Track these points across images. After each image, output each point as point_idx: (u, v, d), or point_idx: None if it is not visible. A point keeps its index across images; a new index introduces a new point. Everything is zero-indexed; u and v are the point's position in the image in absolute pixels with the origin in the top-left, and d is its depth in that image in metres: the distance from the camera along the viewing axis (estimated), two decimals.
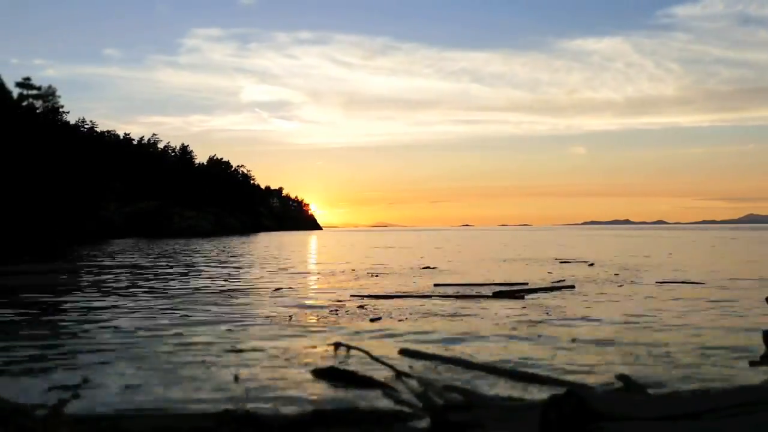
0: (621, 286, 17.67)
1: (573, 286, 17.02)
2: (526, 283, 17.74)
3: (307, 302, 14.26)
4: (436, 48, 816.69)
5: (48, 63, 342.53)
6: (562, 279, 19.24)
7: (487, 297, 14.80)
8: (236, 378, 6.95)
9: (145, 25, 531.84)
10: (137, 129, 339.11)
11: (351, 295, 15.50)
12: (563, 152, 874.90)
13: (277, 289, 17.25)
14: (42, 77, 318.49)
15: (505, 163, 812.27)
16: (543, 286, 17.43)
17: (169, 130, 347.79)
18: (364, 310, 12.57)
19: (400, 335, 9.78)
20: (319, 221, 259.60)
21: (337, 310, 12.66)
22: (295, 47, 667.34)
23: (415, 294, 15.65)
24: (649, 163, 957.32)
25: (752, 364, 7.71)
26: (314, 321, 11.37)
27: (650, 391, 6.00)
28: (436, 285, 17.76)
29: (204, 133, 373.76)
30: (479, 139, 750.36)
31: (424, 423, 4.94)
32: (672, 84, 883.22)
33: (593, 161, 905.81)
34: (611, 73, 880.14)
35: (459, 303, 13.85)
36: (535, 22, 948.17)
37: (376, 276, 21.74)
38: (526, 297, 14.72)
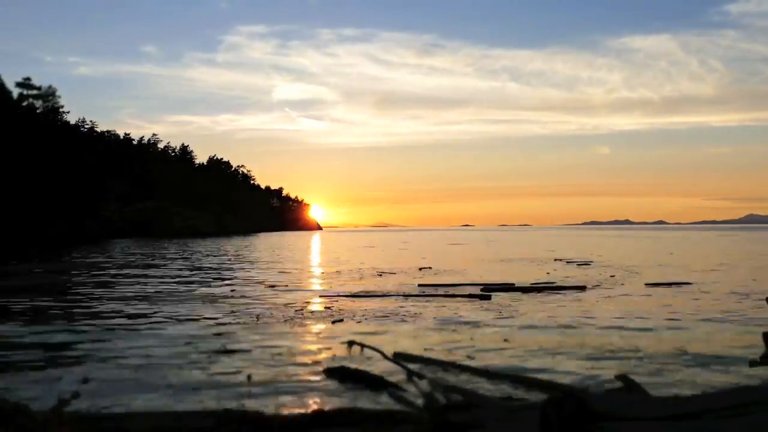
0: (593, 286, 17.66)
1: (584, 287, 16.91)
2: (513, 284, 17.58)
3: (277, 302, 14.19)
4: (481, 46, 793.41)
5: (82, 61, 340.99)
6: (553, 281, 19.02)
7: (453, 296, 14.89)
8: (249, 378, 6.96)
9: (189, 22, 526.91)
10: (163, 129, 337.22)
11: (320, 295, 15.63)
12: (587, 152, 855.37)
13: (270, 286, 17.49)
14: (73, 75, 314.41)
15: (525, 162, 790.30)
16: (552, 285, 17.41)
17: (195, 129, 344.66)
18: (329, 311, 12.58)
19: (355, 336, 9.69)
20: (320, 221, 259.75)
21: (302, 311, 12.65)
22: (337, 45, 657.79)
23: (382, 294, 15.79)
24: (670, 163, 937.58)
25: (752, 364, 7.71)
26: (280, 321, 11.31)
27: (650, 391, 6.00)
28: (420, 285, 17.83)
29: (229, 133, 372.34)
30: (503, 138, 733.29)
31: (424, 423, 4.94)
32: (711, 83, 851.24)
33: (615, 161, 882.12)
34: (652, 72, 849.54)
35: (424, 303, 13.91)
36: (585, 20, 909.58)
37: (380, 276, 21.82)
38: (492, 297, 14.80)
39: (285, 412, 5.47)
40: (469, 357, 8.15)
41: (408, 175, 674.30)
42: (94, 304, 14.06)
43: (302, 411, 5.46)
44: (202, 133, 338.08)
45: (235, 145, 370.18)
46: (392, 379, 6.73)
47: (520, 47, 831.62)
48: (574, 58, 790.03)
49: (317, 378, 7.03)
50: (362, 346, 8.45)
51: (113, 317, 11.93)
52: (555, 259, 31.47)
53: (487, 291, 15.81)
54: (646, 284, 18.11)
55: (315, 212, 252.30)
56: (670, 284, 18.03)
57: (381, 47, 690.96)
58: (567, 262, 29.52)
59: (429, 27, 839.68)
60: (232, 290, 17.05)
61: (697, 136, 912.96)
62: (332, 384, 6.76)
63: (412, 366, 7.33)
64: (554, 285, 17.41)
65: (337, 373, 7.05)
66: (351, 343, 8.69)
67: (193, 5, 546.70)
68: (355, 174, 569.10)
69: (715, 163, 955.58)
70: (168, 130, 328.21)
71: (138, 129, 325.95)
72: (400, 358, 7.77)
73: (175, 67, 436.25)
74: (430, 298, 14.72)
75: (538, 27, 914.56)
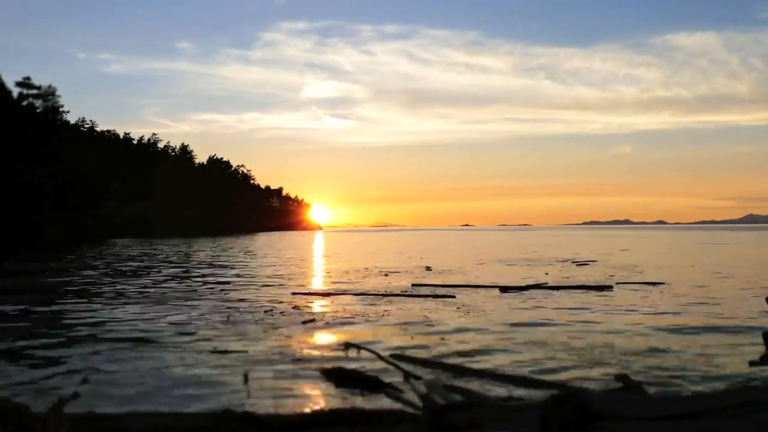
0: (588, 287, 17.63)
1: (611, 287, 16.68)
2: (507, 286, 17.27)
3: (249, 302, 14.14)
4: (522, 43, 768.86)
5: (115, 57, 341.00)
6: (546, 282, 18.65)
7: (421, 296, 14.95)
8: (245, 378, 6.96)
9: (229, 18, 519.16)
10: (187, 127, 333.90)
11: (293, 293, 15.69)
12: (608, 152, 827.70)
13: (262, 286, 17.43)
14: (104, 73, 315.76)
15: (542, 162, 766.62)
16: (575, 284, 17.33)
17: (218, 128, 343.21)
18: (299, 311, 12.49)
19: (317, 338, 9.77)
20: (320, 221, 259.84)
21: (272, 311, 12.56)
22: (376, 42, 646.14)
23: (358, 292, 15.91)
24: (690, 163, 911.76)
25: (752, 364, 7.71)
26: (250, 322, 11.24)
27: (650, 391, 6.00)
28: (413, 285, 17.83)
29: (250, 132, 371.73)
30: (525, 138, 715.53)
31: (424, 423, 4.93)
32: (748, 82, 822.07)
33: (632, 160, 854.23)
34: (691, 71, 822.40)
35: (394, 302, 13.98)
36: (632, 17, 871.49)
37: (386, 275, 21.90)
38: (456, 296, 14.89)
39: (284, 412, 5.47)
40: (443, 357, 8.15)
41: (414, 174, 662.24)
42: (96, 303, 14.06)
43: (302, 411, 5.46)
44: (224, 132, 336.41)
45: (252, 145, 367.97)
46: (388, 379, 6.73)
47: (561, 45, 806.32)
48: (614, 56, 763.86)
49: (313, 379, 7.03)
50: (358, 347, 8.46)
51: (113, 316, 11.93)
52: (563, 260, 31.25)
53: (504, 291, 16.02)
54: (617, 283, 17.73)
55: (317, 212, 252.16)
56: (641, 284, 17.79)
57: (420, 45, 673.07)
58: (572, 262, 29.48)
59: (474, 24, 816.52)
60: (221, 289, 17.15)
61: (723, 136, 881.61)
62: (329, 385, 6.76)
63: (407, 367, 7.33)
64: (607, 285, 17.05)
65: (333, 374, 7.04)
66: (347, 344, 8.70)
67: (241, 2, 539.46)
68: (363, 174, 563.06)
69: (737, 162, 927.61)
70: (192, 128, 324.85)
71: (160, 128, 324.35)
72: (395, 359, 7.77)
73: (209, 64, 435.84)
74: (405, 298, 14.77)
75: (583, 24, 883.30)
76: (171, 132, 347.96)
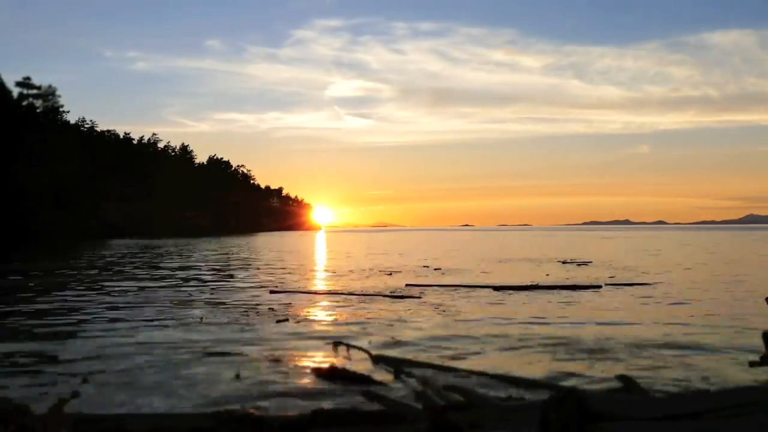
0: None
1: (600, 286, 16.81)
2: (500, 286, 17.17)
3: (226, 302, 14.15)
4: (556, 42, 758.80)
5: (142, 56, 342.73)
6: (538, 282, 18.54)
7: (391, 296, 15.00)
8: (237, 376, 6.96)
9: (265, 15, 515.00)
10: (204, 127, 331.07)
11: (270, 291, 15.82)
12: (625, 152, 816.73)
13: (260, 286, 17.75)
14: (130, 71, 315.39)
15: (552, 162, 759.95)
16: (566, 284, 17.34)
17: (237, 128, 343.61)
18: (274, 312, 12.47)
19: (296, 336, 9.79)
20: (320, 221, 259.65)
21: (248, 311, 12.57)
22: (408, 40, 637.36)
23: (333, 291, 16.10)
24: (706, 163, 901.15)
25: (752, 364, 7.68)
26: (225, 322, 11.25)
27: (650, 391, 6.00)
28: (407, 285, 17.82)
29: (269, 131, 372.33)
30: (542, 137, 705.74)
31: (423, 423, 4.93)
32: None
33: (648, 161, 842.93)
34: (722, 69, 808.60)
35: (366, 303, 14.01)
36: (670, 14, 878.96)
37: (390, 275, 21.96)
38: (422, 296, 14.97)
39: (284, 412, 5.48)
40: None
41: (417, 174, 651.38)
42: (95, 303, 14.06)
43: (301, 411, 5.45)
44: (244, 131, 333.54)
45: (268, 144, 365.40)
46: (380, 378, 6.73)
47: (595, 43, 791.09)
48: (647, 54, 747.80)
49: (307, 378, 7.03)
50: (348, 346, 8.46)
51: (113, 316, 11.94)
52: (563, 261, 31.17)
53: (499, 290, 16.10)
54: (607, 284, 17.67)
55: (320, 213, 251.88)
56: (635, 284, 17.74)
57: (453, 43, 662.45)
58: (569, 262, 29.49)
59: (511, 22, 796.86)
60: (212, 289, 17.18)
61: (742, 136, 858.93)
62: (321, 383, 6.75)
63: (396, 366, 7.31)
64: (595, 285, 17.15)
65: (327, 373, 7.04)
66: (336, 343, 8.70)
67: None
68: (370, 174, 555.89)
69: (744, 162, 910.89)
70: (211, 128, 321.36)
71: (179, 127, 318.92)
72: (383, 357, 7.78)
73: (236, 62, 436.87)
74: (382, 298, 14.80)
75: (620, 22, 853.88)
76: (189, 132, 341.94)
